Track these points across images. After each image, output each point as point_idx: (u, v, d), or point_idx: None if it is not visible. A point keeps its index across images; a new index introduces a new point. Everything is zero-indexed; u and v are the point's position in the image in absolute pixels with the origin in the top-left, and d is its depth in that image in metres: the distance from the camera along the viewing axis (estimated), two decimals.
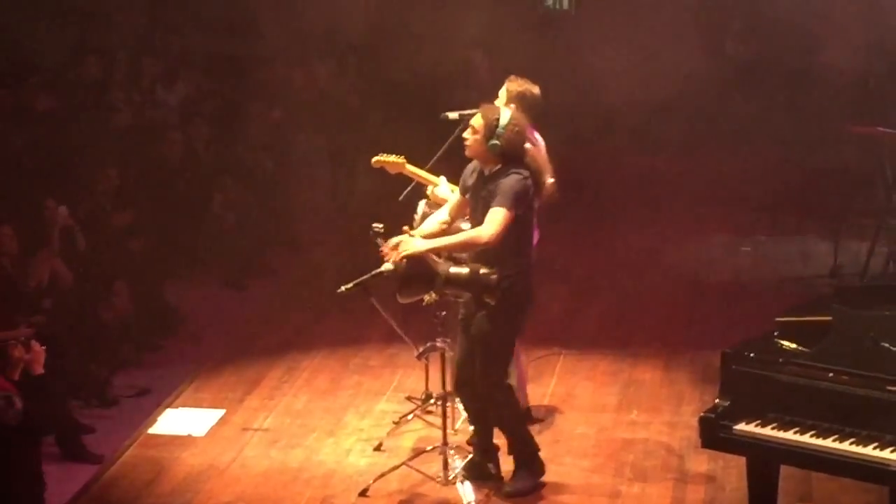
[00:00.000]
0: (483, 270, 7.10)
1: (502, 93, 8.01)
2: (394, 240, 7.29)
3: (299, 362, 9.65)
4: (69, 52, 12.92)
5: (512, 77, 8.10)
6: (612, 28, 15.53)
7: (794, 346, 6.34)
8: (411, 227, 7.46)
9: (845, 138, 12.11)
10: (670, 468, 7.88)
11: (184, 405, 8.95)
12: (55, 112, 11.77)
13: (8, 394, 6.94)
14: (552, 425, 8.49)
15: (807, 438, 6.06)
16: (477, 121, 7.27)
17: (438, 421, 7.92)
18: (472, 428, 7.75)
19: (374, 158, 8.24)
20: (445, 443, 7.62)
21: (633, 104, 14.45)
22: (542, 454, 7.98)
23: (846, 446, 5.97)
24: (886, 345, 6.01)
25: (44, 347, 7.20)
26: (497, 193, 7.12)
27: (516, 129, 7.21)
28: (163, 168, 11.77)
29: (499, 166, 7.22)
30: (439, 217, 7.55)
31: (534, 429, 8.31)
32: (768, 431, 6.15)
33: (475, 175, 7.36)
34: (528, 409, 8.46)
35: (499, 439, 7.68)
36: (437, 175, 8.08)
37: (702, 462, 7.83)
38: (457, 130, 7.76)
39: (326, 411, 8.78)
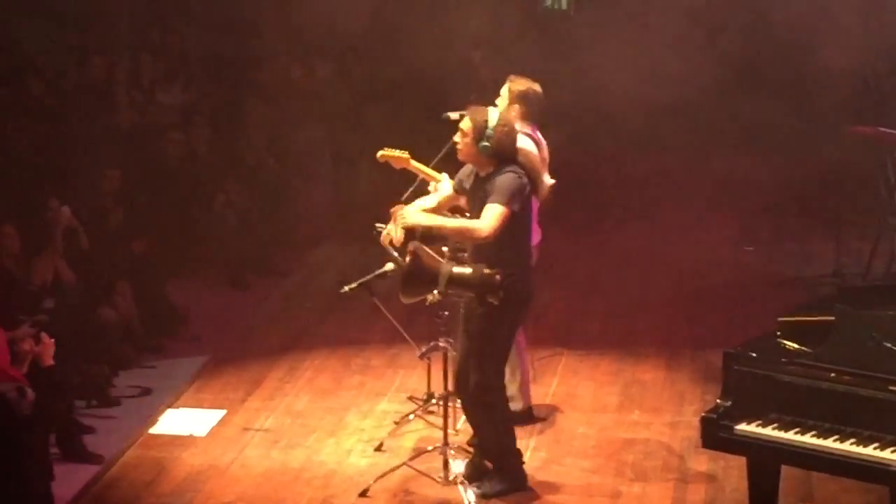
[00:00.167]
0: (486, 270, 7.09)
1: (504, 93, 8.01)
2: (395, 209, 7.28)
3: (301, 362, 9.65)
4: (70, 52, 12.92)
5: (512, 77, 8.10)
6: (611, 28, 15.52)
7: (796, 346, 6.34)
8: (396, 243, 7.47)
9: (846, 138, 12.10)
10: (671, 468, 7.88)
11: (185, 405, 8.95)
12: (57, 112, 11.77)
13: (20, 385, 7.01)
14: (553, 425, 8.49)
15: (808, 438, 6.06)
16: (465, 124, 7.28)
17: (439, 421, 7.93)
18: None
19: (380, 152, 8.26)
20: (446, 443, 7.62)
21: (633, 104, 14.43)
22: (542, 454, 8.01)
23: (847, 446, 5.97)
24: (889, 345, 6.01)
25: (53, 340, 7.27)
26: (492, 192, 7.12)
27: (505, 129, 7.21)
28: (164, 168, 11.78)
29: (493, 167, 7.22)
30: (426, 203, 7.53)
31: (535, 428, 8.33)
32: (769, 431, 6.15)
33: (472, 178, 7.37)
34: (530, 409, 8.46)
35: None
36: (440, 173, 8.09)
37: (703, 462, 7.84)
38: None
39: (328, 411, 8.78)
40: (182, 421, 8.67)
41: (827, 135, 13.74)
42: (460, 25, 14.80)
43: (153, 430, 8.55)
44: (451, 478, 7.57)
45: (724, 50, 15.86)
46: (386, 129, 12.35)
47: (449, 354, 7.66)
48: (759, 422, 6.19)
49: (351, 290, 7.99)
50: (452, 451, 7.64)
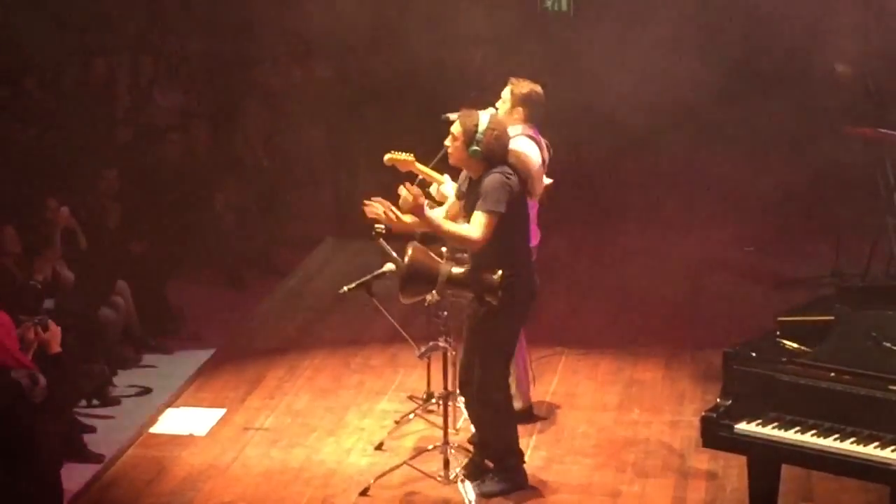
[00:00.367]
0: (485, 271, 7.10)
1: (506, 95, 8.00)
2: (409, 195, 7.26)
3: (300, 362, 9.65)
4: (69, 53, 12.92)
5: (513, 79, 8.08)
6: (610, 29, 15.52)
7: (795, 345, 6.34)
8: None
9: (846, 139, 12.09)
10: (671, 467, 7.89)
11: (185, 405, 8.95)
12: (55, 112, 11.78)
13: (32, 372, 7.06)
14: (554, 424, 8.49)
15: (808, 438, 6.06)
16: (456, 128, 7.28)
17: (439, 420, 7.93)
18: (473, 427, 7.75)
19: (387, 156, 8.24)
20: (447, 442, 7.62)
21: (633, 105, 14.42)
22: (543, 453, 8.01)
23: (847, 446, 5.97)
24: (888, 344, 6.02)
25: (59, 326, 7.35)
26: (481, 196, 7.13)
27: (495, 132, 7.21)
28: (163, 168, 11.78)
29: (483, 171, 7.22)
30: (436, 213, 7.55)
31: (535, 427, 8.33)
32: (769, 431, 6.15)
33: (467, 182, 7.38)
34: (531, 408, 8.47)
35: None
36: (441, 174, 8.10)
37: (703, 461, 7.84)
38: None
39: (327, 411, 8.78)
40: (182, 420, 8.67)
41: (826, 136, 13.75)
42: (460, 26, 14.79)
43: (153, 430, 8.55)
44: (451, 477, 7.57)
45: (724, 51, 15.86)
46: (386, 130, 12.37)
47: (448, 354, 7.66)
48: (759, 421, 6.19)
49: (350, 290, 8.00)
50: (453, 451, 7.64)
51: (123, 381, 9.38)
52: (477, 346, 7.37)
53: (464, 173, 7.46)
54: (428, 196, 8.03)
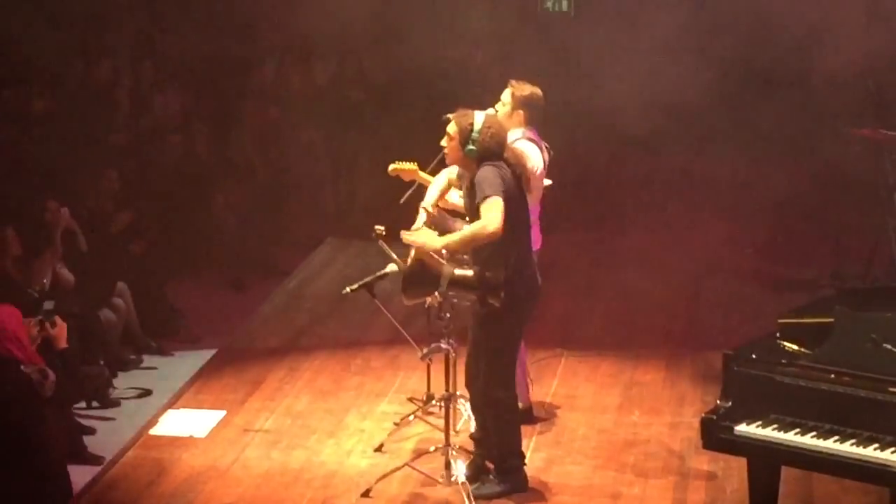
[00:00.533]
0: (488, 272, 7.10)
1: (506, 98, 8.00)
2: (416, 229, 7.27)
3: (300, 363, 9.65)
4: (69, 55, 12.93)
5: (513, 82, 8.08)
6: (611, 30, 15.52)
7: (795, 347, 6.35)
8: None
9: (846, 140, 12.09)
10: (671, 469, 7.89)
11: (185, 406, 8.95)
12: (56, 114, 11.78)
13: (42, 367, 7.28)
14: (554, 426, 8.49)
15: (808, 440, 6.07)
16: (451, 128, 7.28)
17: (439, 422, 7.94)
18: (475, 425, 7.75)
19: (391, 167, 8.23)
20: (448, 444, 7.62)
21: (633, 106, 14.42)
22: (543, 455, 8.01)
23: (847, 447, 5.97)
24: (888, 346, 6.01)
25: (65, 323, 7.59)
26: (479, 189, 7.10)
27: (490, 131, 7.20)
28: (163, 170, 11.78)
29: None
30: (439, 184, 7.62)
31: (535, 429, 8.33)
32: (769, 433, 6.15)
33: (466, 181, 7.38)
34: (531, 409, 8.47)
35: None
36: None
37: (703, 463, 7.84)
38: None
39: (328, 412, 8.78)
40: (182, 422, 8.67)
41: (826, 137, 13.75)
42: (460, 27, 14.80)
43: (153, 431, 8.55)
44: (452, 479, 7.57)
45: (725, 52, 15.85)
46: (386, 131, 12.39)
47: (450, 356, 7.66)
48: (759, 423, 6.19)
49: (352, 290, 8.00)
50: (454, 452, 7.64)
51: (123, 382, 9.39)
52: (480, 345, 7.38)
53: (460, 171, 7.45)
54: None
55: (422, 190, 8.15)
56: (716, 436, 6.28)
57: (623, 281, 11.25)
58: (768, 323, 6.67)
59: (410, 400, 8.80)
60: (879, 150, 11.16)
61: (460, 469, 7.58)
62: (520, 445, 7.58)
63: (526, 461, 7.65)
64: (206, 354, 9.92)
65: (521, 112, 7.96)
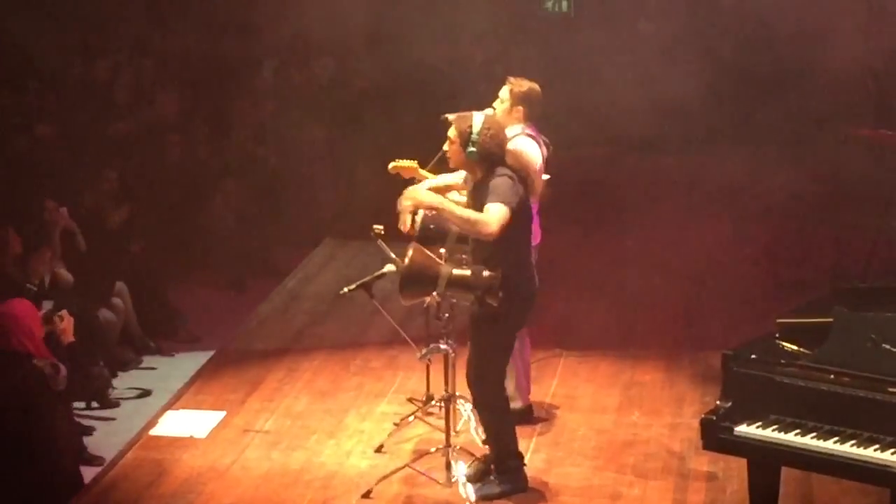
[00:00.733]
0: (486, 272, 7.09)
1: (504, 94, 8.01)
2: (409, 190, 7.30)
3: (300, 364, 9.65)
4: (69, 54, 12.93)
5: (511, 79, 8.10)
6: (611, 31, 15.53)
7: (795, 347, 6.34)
8: (411, 233, 7.47)
9: (845, 140, 12.10)
10: (671, 470, 7.88)
11: (185, 407, 8.94)
12: (55, 113, 11.78)
13: (54, 361, 7.42)
14: (553, 427, 8.49)
15: (808, 440, 6.06)
16: (451, 132, 7.30)
17: (439, 422, 7.94)
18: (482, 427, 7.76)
19: (391, 165, 8.24)
20: (448, 444, 7.61)
21: (633, 106, 14.44)
22: (542, 456, 8.00)
23: (847, 448, 5.97)
24: (887, 346, 6.01)
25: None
26: (490, 193, 7.12)
27: (490, 132, 7.20)
28: (162, 169, 11.78)
29: (483, 172, 7.22)
30: (437, 182, 7.65)
31: (535, 430, 8.33)
32: (769, 433, 6.15)
33: (470, 183, 7.39)
34: (531, 410, 8.46)
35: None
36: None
37: (703, 464, 7.84)
38: None
39: (327, 413, 8.77)
40: (182, 422, 8.66)
41: (826, 137, 13.76)
42: (461, 27, 14.81)
43: (153, 432, 8.54)
44: (453, 479, 7.57)
45: (725, 52, 15.88)
46: (385, 131, 12.38)
47: (450, 356, 7.65)
48: (759, 423, 6.18)
49: (350, 291, 7.99)
50: (454, 453, 7.63)
51: (123, 383, 9.39)
52: (476, 348, 7.37)
53: (466, 176, 7.47)
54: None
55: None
56: (716, 436, 6.27)
57: (623, 281, 11.24)
58: (768, 323, 6.66)
59: (410, 400, 8.79)
60: (879, 150, 11.16)
61: (461, 470, 7.58)
62: (516, 445, 7.58)
63: (525, 462, 7.65)
64: (206, 355, 9.92)
65: (519, 108, 7.97)
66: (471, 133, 7.18)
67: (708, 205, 13.29)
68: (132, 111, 12.57)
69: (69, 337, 7.74)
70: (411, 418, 8.43)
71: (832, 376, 6.07)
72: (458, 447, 7.71)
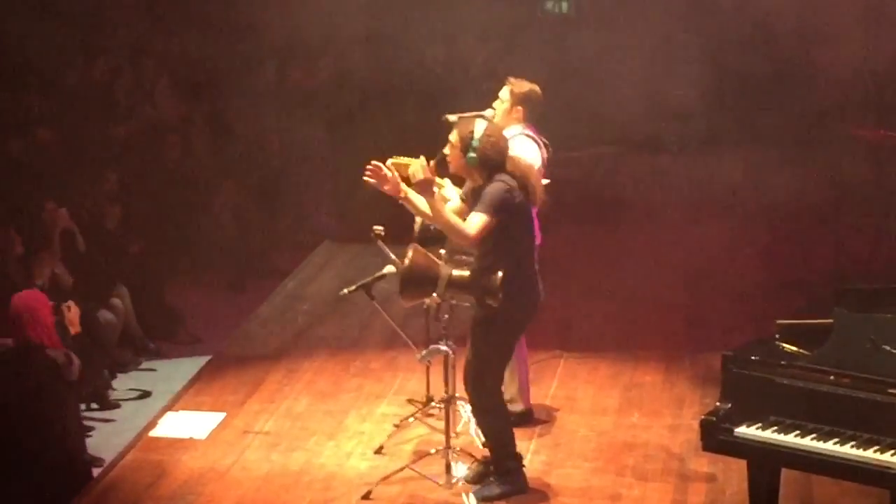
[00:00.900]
0: (485, 274, 7.09)
1: (504, 95, 8.01)
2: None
3: (300, 365, 9.64)
4: (68, 55, 12.92)
5: (512, 79, 8.10)
6: (611, 31, 15.53)
7: (795, 348, 6.33)
8: (412, 232, 7.46)
9: (845, 140, 12.09)
10: (671, 471, 7.88)
11: (184, 408, 8.94)
12: (55, 114, 11.77)
13: (68, 352, 7.62)
14: (553, 428, 8.48)
15: (808, 441, 6.06)
16: (453, 136, 7.29)
17: (439, 424, 7.93)
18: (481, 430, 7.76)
19: (390, 161, 8.24)
20: (448, 446, 7.61)
21: (632, 106, 14.45)
22: (542, 457, 8.00)
23: (847, 449, 5.96)
24: (888, 347, 6.00)
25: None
26: (480, 200, 7.12)
27: (491, 139, 7.20)
28: (162, 170, 11.78)
29: (482, 178, 7.22)
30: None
31: (534, 431, 8.32)
32: (769, 434, 6.14)
33: (469, 188, 7.39)
34: (530, 411, 8.46)
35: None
36: (442, 178, 8.09)
37: (703, 465, 7.83)
38: None
39: (327, 414, 8.77)
40: (181, 424, 8.66)
41: (826, 137, 13.75)
42: (461, 28, 14.81)
43: (153, 433, 8.54)
44: (452, 481, 7.56)
45: (725, 53, 15.88)
46: (385, 132, 12.38)
47: (450, 358, 7.65)
48: (759, 425, 6.18)
49: (350, 292, 7.99)
50: (454, 454, 7.63)
51: (122, 384, 9.39)
52: (475, 348, 7.37)
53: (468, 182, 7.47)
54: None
55: None
56: (715, 438, 6.27)
57: (622, 282, 11.24)
58: (768, 324, 6.65)
59: (410, 402, 8.79)
60: (880, 150, 11.16)
61: (461, 471, 7.58)
62: (514, 447, 7.57)
63: (525, 463, 7.65)
64: (206, 356, 9.92)
65: (519, 109, 7.98)
66: (472, 139, 7.18)
67: (708, 205, 13.29)
68: (132, 112, 12.57)
69: (76, 328, 7.90)
70: (411, 419, 8.43)
71: (832, 377, 6.06)
72: (458, 449, 7.71)
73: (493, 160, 7.18)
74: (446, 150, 7.35)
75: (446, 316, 7.58)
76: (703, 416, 6.35)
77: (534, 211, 7.83)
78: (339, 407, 8.88)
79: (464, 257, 7.45)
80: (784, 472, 6.57)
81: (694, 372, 9.31)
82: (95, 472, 7.97)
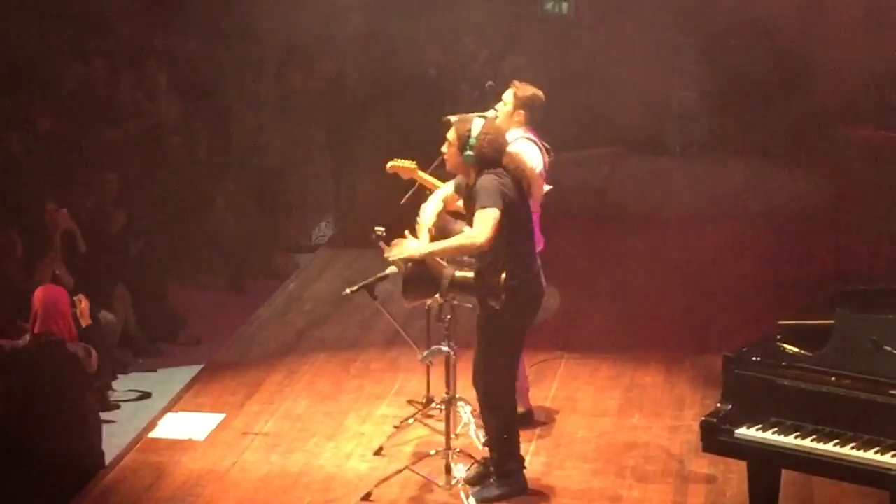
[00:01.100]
0: (488, 274, 7.08)
1: (508, 98, 8.00)
2: (395, 243, 7.30)
3: (299, 366, 9.64)
4: (69, 57, 12.91)
5: (516, 83, 8.09)
6: (611, 32, 15.52)
7: (796, 349, 6.33)
8: (413, 233, 7.45)
9: (846, 140, 12.10)
10: (671, 472, 7.87)
11: (184, 409, 8.93)
12: (55, 115, 11.76)
13: (86, 345, 7.82)
14: (553, 429, 8.47)
15: (808, 443, 6.05)
16: (450, 134, 7.28)
17: (439, 425, 7.92)
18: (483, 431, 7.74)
19: (389, 164, 8.24)
20: (448, 447, 7.60)
21: (632, 107, 14.44)
22: (542, 458, 7.99)
23: (847, 451, 5.96)
24: (888, 348, 6.00)
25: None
26: (477, 197, 7.11)
27: (489, 136, 7.19)
28: (163, 171, 11.77)
29: (478, 175, 7.21)
30: (433, 204, 7.52)
31: (535, 432, 8.31)
32: (770, 436, 6.14)
33: (465, 187, 7.38)
34: (531, 413, 8.45)
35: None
36: (443, 182, 8.07)
37: (703, 466, 7.82)
38: None
39: (327, 415, 8.76)
40: (181, 425, 8.65)
41: (826, 137, 13.75)
42: (461, 30, 14.80)
43: (152, 435, 8.53)
44: (453, 482, 7.55)
45: (725, 53, 15.87)
46: (386, 133, 12.38)
47: (451, 359, 7.64)
48: (760, 426, 6.18)
49: (353, 292, 7.98)
50: (454, 456, 7.62)
51: (122, 385, 9.38)
52: (482, 349, 7.37)
53: (458, 180, 7.46)
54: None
55: (422, 190, 8.15)
56: (716, 439, 6.27)
57: (623, 283, 11.22)
58: (769, 325, 6.65)
59: (410, 403, 8.78)
60: (881, 150, 11.16)
61: (461, 472, 7.57)
62: (518, 449, 7.56)
63: (526, 464, 7.64)
64: (205, 357, 9.91)
65: (521, 112, 7.98)
66: (469, 137, 7.17)
67: (709, 206, 13.28)
68: (133, 113, 12.56)
69: (87, 320, 8.03)
70: (411, 421, 8.42)
71: (833, 378, 6.06)
72: (458, 450, 7.69)
73: (490, 158, 7.16)
74: (444, 149, 7.34)
75: (448, 317, 7.57)
76: (703, 418, 6.36)
77: (536, 214, 7.83)
78: (338, 408, 8.87)
79: (465, 258, 7.44)
80: (784, 474, 6.57)
81: (695, 373, 9.30)
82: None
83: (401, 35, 14.31)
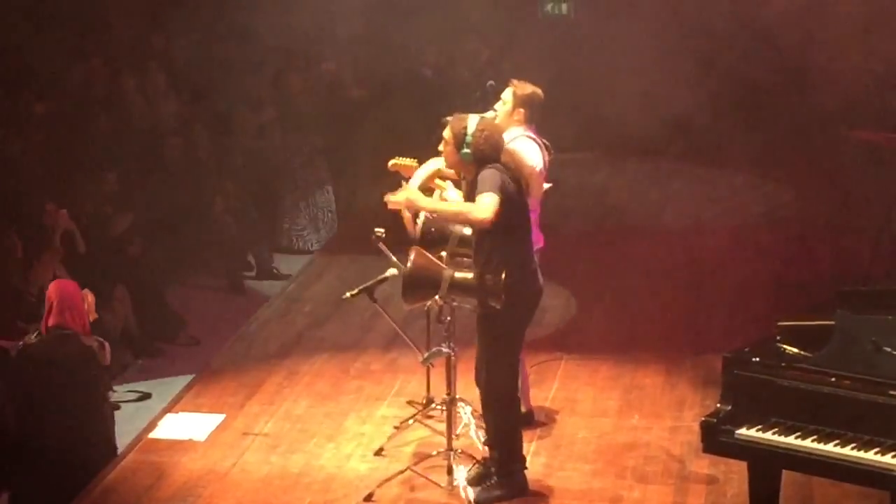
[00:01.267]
0: (487, 275, 7.08)
1: (507, 96, 8.01)
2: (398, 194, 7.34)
3: (300, 367, 9.63)
4: (69, 57, 12.92)
5: (515, 81, 8.10)
6: (611, 33, 15.53)
7: (796, 350, 6.33)
8: (413, 235, 7.47)
9: (846, 141, 12.09)
10: (671, 473, 7.87)
11: (184, 410, 8.93)
12: (55, 116, 11.77)
13: (99, 338, 7.94)
14: (553, 430, 8.47)
15: (808, 443, 6.05)
16: (447, 133, 7.30)
17: (439, 426, 7.91)
18: (483, 431, 7.74)
19: (391, 162, 8.24)
20: (450, 448, 7.60)
21: (632, 109, 14.44)
22: (543, 459, 7.99)
23: (848, 451, 5.95)
24: (889, 349, 6.00)
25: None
26: (478, 187, 7.11)
27: (484, 134, 7.20)
28: (163, 172, 11.77)
29: (476, 173, 7.22)
30: (426, 171, 7.66)
31: (535, 433, 8.31)
32: (770, 436, 6.13)
33: (465, 184, 7.39)
34: (531, 413, 8.44)
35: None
36: (444, 180, 8.08)
37: (703, 467, 7.82)
38: None
39: (327, 416, 8.76)
40: (181, 425, 8.65)
41: (826, 139, 13.76)
42: (460, 31, 14.81)
43: (152, 435, 8.53)
44: (454, 483, 7.55)
45: (724, 54, 15.88)
46: (386, 134, 12.39)
47: (452, 360, 7.64)
48: (760, 426, 6.17)
49: (353, 296, 7.97)
50: (456, 457, 7.61)
51: (122, 386, 9.37)
52: (483, 349, 7.37)
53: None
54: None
55: (422, 188, 8.15)
56: (716, 439, 6.26)
57: (623, 284, 11.23)
58: (768, 326, 6.65)
59: (410, 403, 8.78)
60: (879, 151, 11.16)
61: (462, 473, 7.57)
62: (521, 449, 7.56)
63: (527, 465, 7.63)
64: (206, 358, 9.91)
65: (521, 110, 7.98)
66: (465, 134, 7.18)
67: (709, 207, 13.28)
68: (132, 114, 12.56)
69: (93, 314, 8.12)
70: (411, 421, 8.42)
71: (833, 379, 6.05)
72: (458, 450, 7.69)
73: (487, 154, 7.17)
74: (441, 147, 7.35)
75: (448, 318, 7.57)
76: (703, 418, 6.35)
77: (536, 212, 7.84)
78: (338, 409, 8.87)
79: (465, 259, 7.44)
80: (785, 474, 6.56)
81: (695, 373, 9.30)
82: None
83: (400, 36, 14.32)
